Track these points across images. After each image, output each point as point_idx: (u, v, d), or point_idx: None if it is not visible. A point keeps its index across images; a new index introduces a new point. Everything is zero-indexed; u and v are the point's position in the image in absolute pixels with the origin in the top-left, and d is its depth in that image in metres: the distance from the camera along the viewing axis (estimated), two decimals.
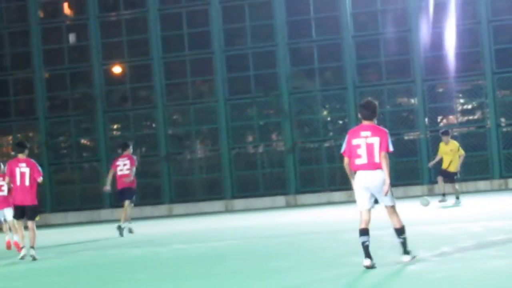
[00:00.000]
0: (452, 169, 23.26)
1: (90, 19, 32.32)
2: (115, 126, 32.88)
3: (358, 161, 11.56)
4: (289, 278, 11.48)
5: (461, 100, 30.91)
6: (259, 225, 22.19)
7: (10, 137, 33.62)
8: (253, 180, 31.15)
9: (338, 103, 31.12)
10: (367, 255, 11.42)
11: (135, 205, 23.28)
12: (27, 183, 16.85)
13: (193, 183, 31.86)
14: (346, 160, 11.74)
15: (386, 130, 11.70)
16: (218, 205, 30.90)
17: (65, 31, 33.03)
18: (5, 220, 18.48)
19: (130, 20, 32.40)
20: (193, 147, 32.38)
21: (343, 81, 30.61)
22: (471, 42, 29.83)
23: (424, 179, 29.69)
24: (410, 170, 29.70)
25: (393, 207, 11.61)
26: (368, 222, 11.54)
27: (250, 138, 32.19)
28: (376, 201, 11.64)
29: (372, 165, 11.47)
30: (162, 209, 30.88)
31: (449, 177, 23.38)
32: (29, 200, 16.91)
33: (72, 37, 33.38)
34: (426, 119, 30.09)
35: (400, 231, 11.60)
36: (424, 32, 29.73)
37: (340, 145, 12.44)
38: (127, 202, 21.61)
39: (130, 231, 21.53)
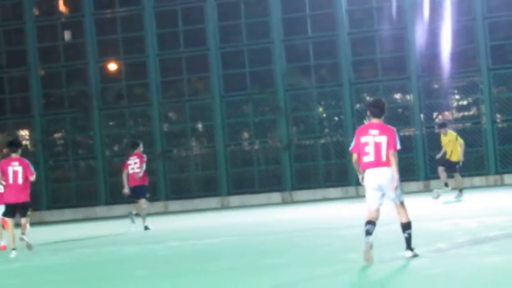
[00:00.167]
0: (454, 158, 23.37)
1: (86, 16, 32.27)
2: (110, 123, 32.84)
3: (366, 159, 11.77)
4: (285, 274, 11.48)
5: (457, 97, 30.92)
6: (255, 221, 22.18)
7: (5, 134, 33.53)
8: (248, 177, 31.15)
9: (333, 100, 31.11)
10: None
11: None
12: (20, 181, 16.90)
13: (188, 180, 31.86)
14: (354, 156, 11.96)
15: (394, 129, 11.89)
16: (214, 202, 30.90)
17: (61, 29, 32.99)
18: None
19: (125, 17, 32.37)
20: (188, 144, 32.37)
21: (339, 78, 30.61)
22: (466, 39, 29.83)
23: (420, 175, 29.70)
24: (406, 166, 29.65)
25: (402, 202, 11.75)
26: (376, 219, 11.66)
27: (245, 135, 32.16)
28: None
29: (380, 163, 11.67)
30: (158, 206, 30.84)
31: (451, 167, 23.49)
32: (23, 197, 17.01)
33: (67, 35, 33.34)
34: (422, 116, 30.11)
35: (406, 226, 11.72)
36: (420, 28, 29.73)
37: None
38: (142, 201, 21.72)
39: (146, 228, 21.56)
